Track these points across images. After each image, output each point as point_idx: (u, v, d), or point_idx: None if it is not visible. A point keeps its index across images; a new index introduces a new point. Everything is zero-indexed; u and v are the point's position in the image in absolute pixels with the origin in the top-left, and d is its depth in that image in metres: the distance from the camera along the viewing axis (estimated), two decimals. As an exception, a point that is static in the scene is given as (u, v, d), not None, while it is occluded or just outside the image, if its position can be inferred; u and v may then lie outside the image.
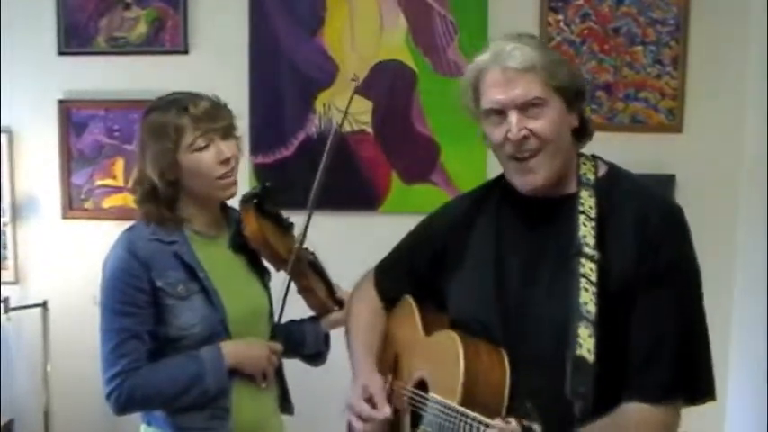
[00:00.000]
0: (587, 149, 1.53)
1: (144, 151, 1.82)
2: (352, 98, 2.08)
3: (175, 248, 1.81)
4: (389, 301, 1.73)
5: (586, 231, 1.36)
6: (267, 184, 1.99)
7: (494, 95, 1.41)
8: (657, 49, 2.92)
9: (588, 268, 1.33)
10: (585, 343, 1.27)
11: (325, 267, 2.08)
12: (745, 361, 2.82)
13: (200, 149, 1.79)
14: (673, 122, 2.94)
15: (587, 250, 1.34)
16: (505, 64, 1.39)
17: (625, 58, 2.94)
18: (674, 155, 2.90)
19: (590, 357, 1.26)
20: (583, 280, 1.32)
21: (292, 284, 1.98)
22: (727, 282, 2.89)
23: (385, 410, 1.54)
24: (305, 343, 2.03)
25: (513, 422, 1.18)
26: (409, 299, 1.69)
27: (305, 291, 2.00)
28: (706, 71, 2.90)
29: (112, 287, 1.79)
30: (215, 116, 1.80)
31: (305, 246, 2.00)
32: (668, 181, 2.82)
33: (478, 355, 1.44)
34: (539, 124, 1.39)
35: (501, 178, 1.56)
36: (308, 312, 2.06)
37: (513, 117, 1.39)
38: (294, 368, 2.07)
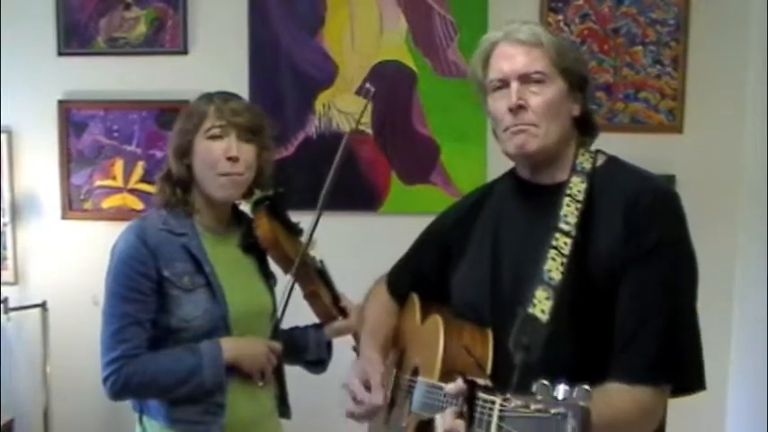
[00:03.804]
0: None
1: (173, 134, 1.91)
2: (365, 108, 2.16)
3: (184, 240, 1.83)
4: (401, 298, 1.76)
5: (569, 211, 1.38)
6: (280, 189, 2.01)
7: (499, 66, 1.46)
8: (657, 49, 2.92)
9: (562, 242, 1.35)
10: (540, 304, 1.29)
11: (331, 275, 2.09)
12: (745, 360, 2.82)
13: (214, 138, 1.82)
14: (673, 122, 2.94)
15: (563, 226, 1.36)
16: (515, 37, 1.46)
17: (625, 59, 2.94)
18: (674, 155, 2.90)
19: (542, 317, 1.28)
20: (552, 251, 1.34)
21: (299, 290, 1.98)
22: (728, 282, 2.89)
23: (378, 397, 1.58)
24: (307, 349, 2.04)
25: (459, 380, 1.20)
26: (414, 295, 1.71)
27: (311, 296, 2.00)
28: (706, 71, 2.90)
29: (119, 272, 1.81)
30: (238, 112, 1.84)
31: (313, 253, 2.02)
32: (668, 181, 2.81)
33: (460, 334, 1.46)
34: (537, 100, 1.43)
35: (508, 173, 1.58)
36: (312, 320, 2.06)
37: (514, 85, 1.43)
38: (294, 374, 2.08)
